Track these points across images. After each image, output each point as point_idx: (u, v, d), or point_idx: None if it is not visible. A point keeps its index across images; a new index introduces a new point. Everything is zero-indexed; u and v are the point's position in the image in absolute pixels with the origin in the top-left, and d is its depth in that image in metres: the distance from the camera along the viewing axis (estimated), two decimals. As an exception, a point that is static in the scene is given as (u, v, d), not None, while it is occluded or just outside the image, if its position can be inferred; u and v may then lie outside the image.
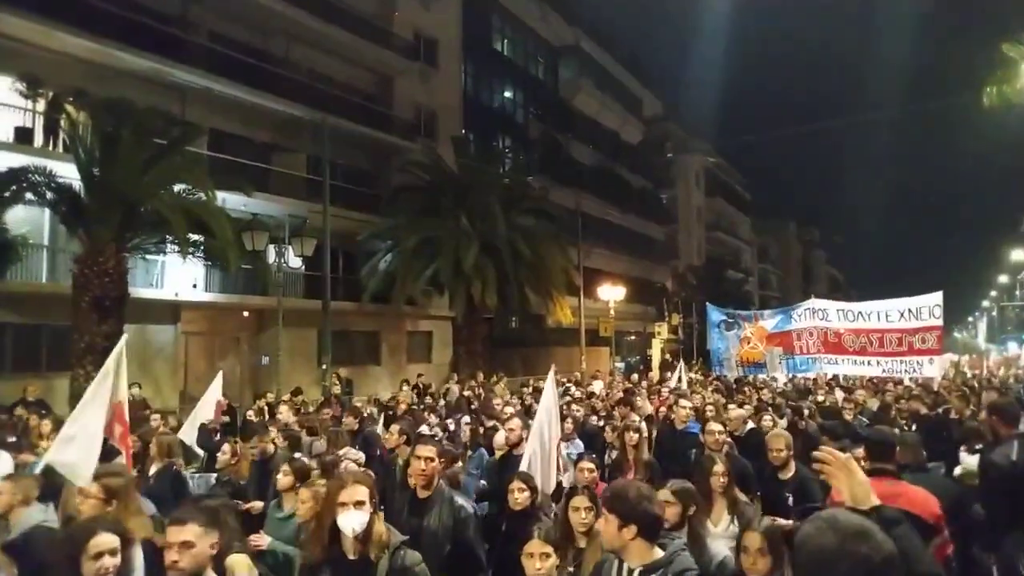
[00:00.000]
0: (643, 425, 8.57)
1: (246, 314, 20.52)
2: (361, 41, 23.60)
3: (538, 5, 35.91)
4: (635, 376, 21.24)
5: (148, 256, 16.24)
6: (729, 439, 6.96)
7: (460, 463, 6.72)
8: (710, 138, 61.76)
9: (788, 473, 5.58)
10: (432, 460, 4.47)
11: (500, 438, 7.12)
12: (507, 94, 34.39)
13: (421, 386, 18.84)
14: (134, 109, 14.42)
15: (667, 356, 35.76)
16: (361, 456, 7.08)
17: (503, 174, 25.96)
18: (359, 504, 3.22)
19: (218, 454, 6.87)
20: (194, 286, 18.44)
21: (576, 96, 37.65)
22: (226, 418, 10.73)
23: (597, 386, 16.85)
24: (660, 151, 49.25)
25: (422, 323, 26.29)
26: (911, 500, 3.75)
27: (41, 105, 15.98)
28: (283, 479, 5.13)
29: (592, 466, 5.31)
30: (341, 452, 6.90)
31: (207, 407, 9.72)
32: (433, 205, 22.92)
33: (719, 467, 4.73)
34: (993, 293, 71.10)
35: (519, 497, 4.74)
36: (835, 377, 15.46)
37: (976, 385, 14.99)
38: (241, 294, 19.55)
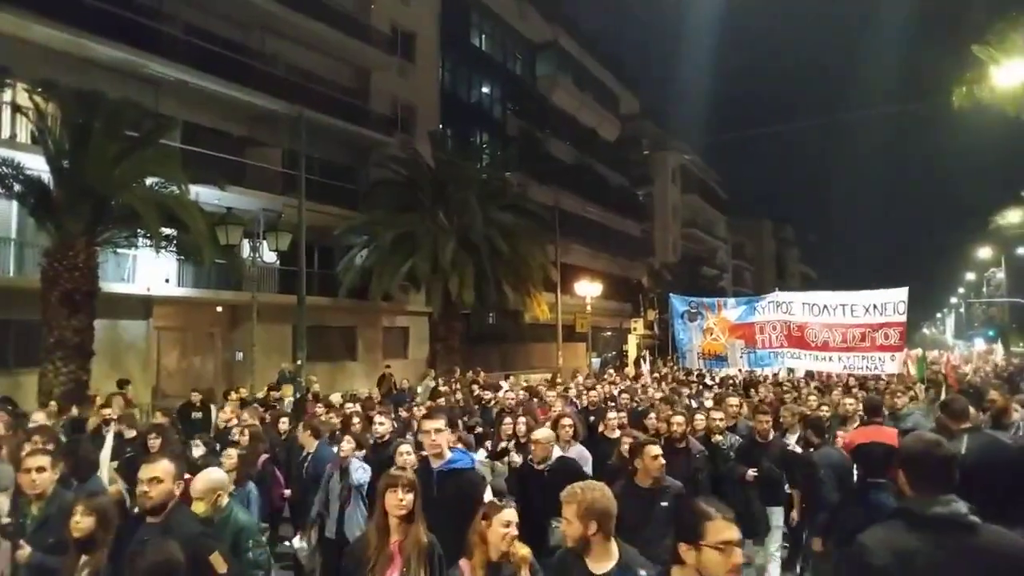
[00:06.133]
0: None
1: (219, 309, 20.27)
2: (338, 35, 23.39)
3: (516, 1, 35.87)
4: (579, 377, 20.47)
5: (119, 250, 15.98)
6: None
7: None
8: (687, 136, 62.27)
9: None
10: None
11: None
12: (485, 90, 34.27)
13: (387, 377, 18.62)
14: (106, 101, 14.14)
15: (643, 352, 36.00)
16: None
17: (481, 169, 25.88)
18: None
19: None
20: (166, 281, 18.17)
21: (554, 93, 37.63)
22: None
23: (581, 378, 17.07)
24: (637, 148, 49.40)
25: (399, 319, 26.18)
26: (886, 436, 5.97)
27: (8, 95, 15.63)
28: None
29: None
30: None
31: None
32: (410, 200, 22.78)
33: None
34: (961, 290, 72.62)
35: None
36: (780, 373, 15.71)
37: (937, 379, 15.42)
38: (214, 289, 19.32)
